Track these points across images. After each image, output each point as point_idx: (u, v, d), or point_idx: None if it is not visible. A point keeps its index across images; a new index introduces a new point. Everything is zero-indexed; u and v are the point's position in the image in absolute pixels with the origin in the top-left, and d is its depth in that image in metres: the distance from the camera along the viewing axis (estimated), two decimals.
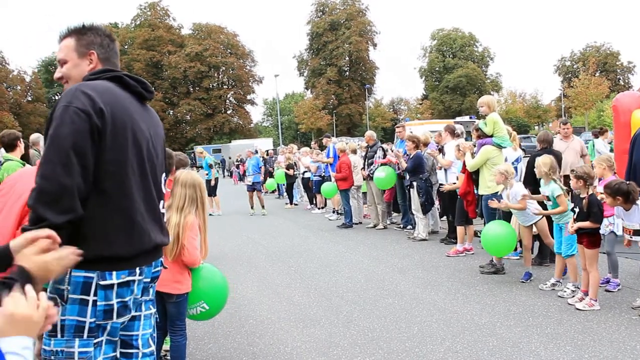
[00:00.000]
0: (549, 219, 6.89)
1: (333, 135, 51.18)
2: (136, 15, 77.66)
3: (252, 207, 16.14)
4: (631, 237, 5.53)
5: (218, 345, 5.24)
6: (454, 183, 9.18)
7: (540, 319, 5.49)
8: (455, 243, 8.98)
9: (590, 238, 5.70)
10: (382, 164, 11.37)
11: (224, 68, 77.18)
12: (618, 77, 76.73)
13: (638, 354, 4.46)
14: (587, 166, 6.12)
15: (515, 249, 8.10)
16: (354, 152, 13.05)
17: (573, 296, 5.99)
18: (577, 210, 5.79)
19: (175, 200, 3.89)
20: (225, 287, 4.31)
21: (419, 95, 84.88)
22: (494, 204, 7.03)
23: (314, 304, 6.43)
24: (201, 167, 16.55)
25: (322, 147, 16.28)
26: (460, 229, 8.83)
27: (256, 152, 19.00)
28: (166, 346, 4.33)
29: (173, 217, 3.84)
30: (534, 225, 7.07)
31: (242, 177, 35.18)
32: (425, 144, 10.49)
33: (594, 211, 5.63)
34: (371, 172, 11.61)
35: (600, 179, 6.54)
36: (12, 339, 1.31)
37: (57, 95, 77.36)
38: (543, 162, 6.48)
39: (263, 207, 16.06)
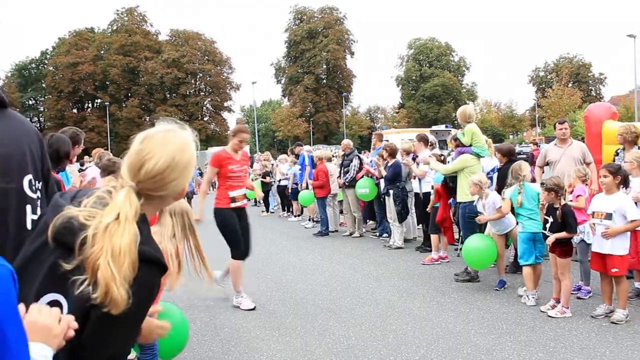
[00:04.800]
0: None
1: (310, 143, 51.30)
2: (113, 20, 76.80)
3: None
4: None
5: (193, 353, 5.21)
6: (429, 193, 9.27)
7: (513, 326, 5.55)
8: (431, 251, 9.05)
9: (562, 247, 5.79)
10: (362, 176, 11.38)
11: (201, 75, 76.78)
12: (590, 88, 78.02)
13: None
14: (556, 177, 6.19)
15: None
16: (329, 160, 13.09)
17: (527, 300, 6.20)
18: (551, 220, 5.88)
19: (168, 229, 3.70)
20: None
21: (395, 103, 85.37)
22: (481, 219, 7.17)
23: (289, 312, 6.42)
24: None
25: (297, 156, 16.28)
26: (434, 237, 8.89)
27: None
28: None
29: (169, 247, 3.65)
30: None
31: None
32: (408, 152, 10.54)
33: (569, 222, 5.73)
34: (347, 180, 11.65)
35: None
36: (32, 345, 1.33)
37: (31, 99, 76.38)
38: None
39: None
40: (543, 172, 8.74)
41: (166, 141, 1.68)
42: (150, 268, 1.56)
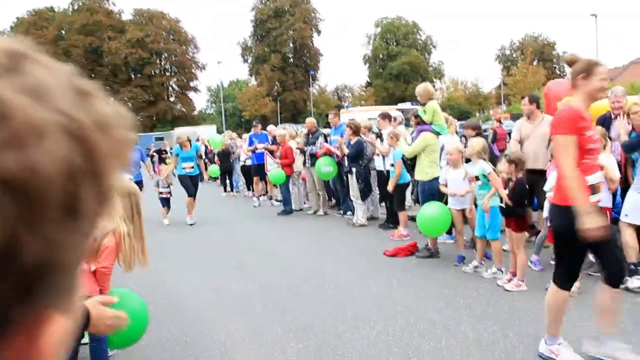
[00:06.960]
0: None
1: (277, 122, 51.03)
2: None
3: None
4: None
5: (150, 335, 5.11)
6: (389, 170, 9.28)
7: (470, 300, 5.64)
8: (394, 228, 9.09)
9: (517, 222, 5.88)
10: (322, 154, 11.29)
11: (166, 54, 75.63)
12: (554, 66, 78.97)
13: None
14: (520, 152, 6.27)
15: (450, 232, 8.27)
16: (293, 138, 13.03)
17: (494, 277, 6.25)
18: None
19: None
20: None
21: (363, 82, 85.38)
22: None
23: (250, 293, 6.39)
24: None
25: None
26: (402, 214, 8.87)
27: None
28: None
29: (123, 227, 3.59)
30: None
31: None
32: (369, 129, 10.55)
33: (518, 194, 5.81)
34: (311, 152, 11.53)
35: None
36: None
37: None
38: (476, 142, 6.62)
39: None
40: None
41: None
42: None
